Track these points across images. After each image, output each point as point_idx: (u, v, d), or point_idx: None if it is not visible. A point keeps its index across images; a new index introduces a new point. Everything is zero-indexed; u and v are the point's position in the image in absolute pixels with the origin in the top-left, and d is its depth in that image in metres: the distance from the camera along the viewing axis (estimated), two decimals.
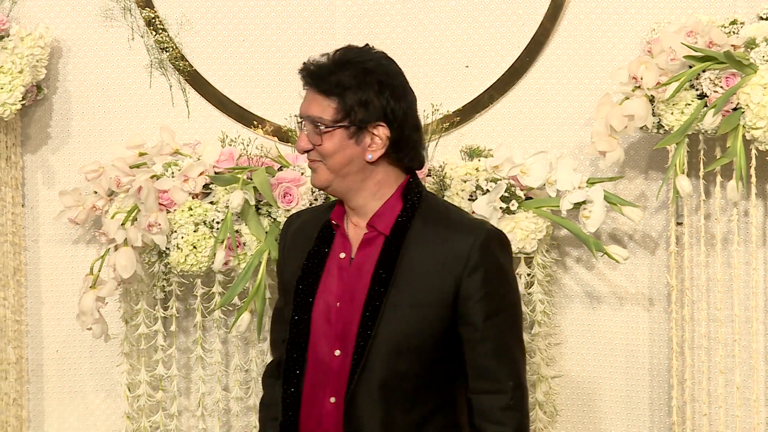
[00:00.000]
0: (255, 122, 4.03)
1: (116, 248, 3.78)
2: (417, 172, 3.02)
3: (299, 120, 2.95)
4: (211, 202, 3.82)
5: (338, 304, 2.91)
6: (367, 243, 2.94)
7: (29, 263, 4.12)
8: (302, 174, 3.79)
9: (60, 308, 4.10)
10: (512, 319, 2.97)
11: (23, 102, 3.90)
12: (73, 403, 4.13)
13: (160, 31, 4.05)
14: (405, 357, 2.91)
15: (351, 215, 2.97)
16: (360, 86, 2.91)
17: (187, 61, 4.07)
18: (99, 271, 3.84)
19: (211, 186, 3.84)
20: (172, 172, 3.85)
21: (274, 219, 3.77)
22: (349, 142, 2.92)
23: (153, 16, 4.04)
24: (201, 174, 3.82)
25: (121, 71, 4.04)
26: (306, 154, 2.96)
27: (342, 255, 2.95)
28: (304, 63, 2.96)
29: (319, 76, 2.93)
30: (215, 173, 3.84)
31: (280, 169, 3.84)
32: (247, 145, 3.87)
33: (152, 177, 3.83)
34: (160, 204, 3.78)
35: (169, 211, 3.80)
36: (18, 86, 3.85)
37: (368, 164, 2.94)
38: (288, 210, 3.73)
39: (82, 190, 3.92)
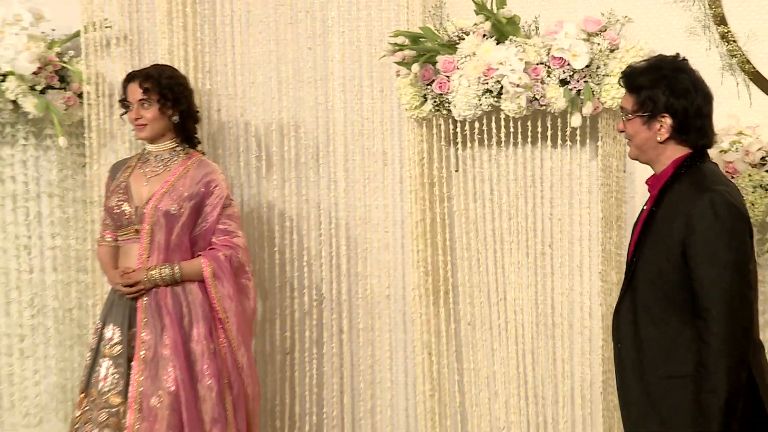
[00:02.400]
0: None
1: None
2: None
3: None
4: (767, 171, 4.42)
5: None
6: (650, 201, 3.68)
7: (627, 213, 4.83)
8: None
9: None
10: (721, 274, 3.44)
11: None
12: None
13: (731, 42, 4.64)
14: (655, 285, 3.56)
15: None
16: (651, 86, 3.60)
17: (751, 64, 4.64)
18: None
19: (767, 159, 4.43)
20: (736, 148, 4.48)
21: None
22: (643, 128, 3.64)
23: (726, 31, 4.66)
24: (759, 149, 4.45)
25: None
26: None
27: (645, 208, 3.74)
28: (628, 66, 3.74)
29: (629, 77, 3.67)
30: None
31: None
32: None
33: (720, 151, 4.47)
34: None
35: (733, 177, 4.41)
36: None
37: (660, 143, 3.62)
38: None
39: None
